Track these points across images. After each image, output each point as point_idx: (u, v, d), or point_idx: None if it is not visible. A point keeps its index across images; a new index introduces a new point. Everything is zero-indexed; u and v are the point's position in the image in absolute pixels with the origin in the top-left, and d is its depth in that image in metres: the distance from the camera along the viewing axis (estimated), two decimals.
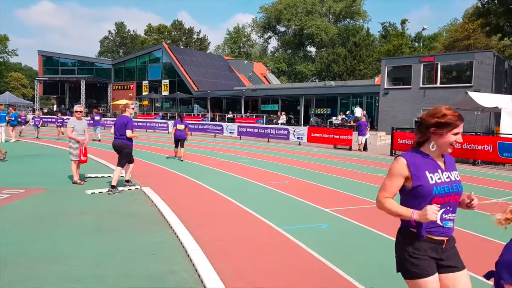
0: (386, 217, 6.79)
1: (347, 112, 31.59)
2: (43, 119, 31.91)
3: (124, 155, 8.99)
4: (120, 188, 8.83)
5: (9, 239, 5.43)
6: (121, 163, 8.97)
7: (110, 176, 10.04)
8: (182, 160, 13.87)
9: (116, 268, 4.54)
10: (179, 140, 14.14)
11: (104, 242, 5.42)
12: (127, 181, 9.46)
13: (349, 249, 5.36)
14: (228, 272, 4.45)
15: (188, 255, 4.90)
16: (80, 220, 6.47)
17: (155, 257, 4.89)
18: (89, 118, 26.12)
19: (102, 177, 10.61)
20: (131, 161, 9.39)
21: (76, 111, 9.74)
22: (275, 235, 5.86)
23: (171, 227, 6.09)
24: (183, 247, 5.22)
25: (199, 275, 4.32)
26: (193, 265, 4.61)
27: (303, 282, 4.26)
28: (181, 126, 14.13)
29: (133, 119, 19.53)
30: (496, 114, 18.98)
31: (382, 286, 4.17)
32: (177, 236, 5.66)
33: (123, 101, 48.51)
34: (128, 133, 8.85)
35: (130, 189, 9.01)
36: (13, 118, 22.34)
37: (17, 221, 6.35)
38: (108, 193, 8.52)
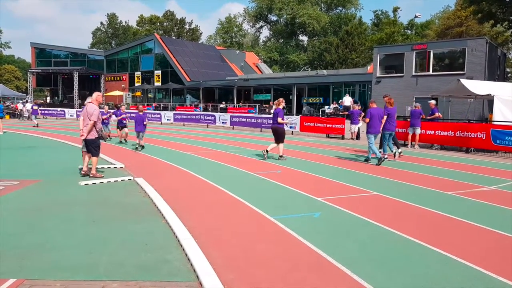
0: (378, 206, 6.87)
1: (340, 101, 31.61)
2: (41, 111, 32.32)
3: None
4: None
5: (3, 230, 5.42)
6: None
7: (109, 168, 10.06)
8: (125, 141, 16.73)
9: (108, 257, 4.55)
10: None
11: (97, 232, 5.42)
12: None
13: (340, 237, 5.39)
14: (221, 261, 4.47)
15: (181, 245, 4.91)
16: (73, 211, 6.46)
17: (147, 247, 4.89)
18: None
19: (108, 168, 10.58)
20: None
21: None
22: (267, 224, 5.87)
23: (163, 217, 6.09)
24: (176, 236, 5.23)
25: (191, 265, 4.33)
26: (186, 254, 4.62)
27: (295, 270, 4.28)
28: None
29: (127, 110, 19.80)
30: (489, 101, 19.06)
31: (373, 274, 4.19)
32: (169, 226, 5.66)
33: (116, 92, 48.37)
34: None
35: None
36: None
37: (11, 212, 6.34)
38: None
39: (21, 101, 42.93)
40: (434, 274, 4.21)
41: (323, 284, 3.97)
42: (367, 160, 12.29)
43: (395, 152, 12.71)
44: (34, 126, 25.87)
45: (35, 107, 28.88)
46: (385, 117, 12.35)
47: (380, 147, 12.84)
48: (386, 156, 12.21)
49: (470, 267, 4.41)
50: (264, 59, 70.27)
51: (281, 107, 12.63)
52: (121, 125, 16.94)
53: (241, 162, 11.88)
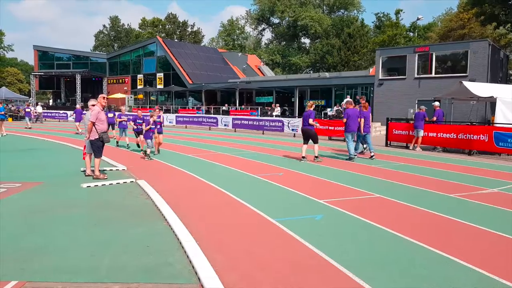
0: (380, 208, 6.84)
1: (342, 103, 31.53)
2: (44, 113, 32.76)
3: None
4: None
5: (4, 233, 5.43)
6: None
7: (111, 170, 10.07)
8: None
9: (110, 260, 4.54)
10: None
11: (99, 235, 5.42)
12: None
13: (342, 239, 5.37)
14: (222, 263, 4.46)
15: (183, 247, 4.91)
16: (75, 213, 6.46)
17: (149, 249, 4.89)
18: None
19: (110, 170, 10.60)
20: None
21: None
22: (269, 227, 5.86)
23: (165, 219, 6.09)
24: (178, 239, 5.22)
25: (193, 267, 4.32)
26: (187, 256, 4.61)
27: (297, 272, 4.27)
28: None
29: (128, 113, 19.69)
30: (492, 104, 18.98)
31: (375, 276, 4.18)
32: (171, 228, 5.66)
33: (118, 95, 48.43)
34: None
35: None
36: (2, 113, 22.64)
37: (13, 215, 6.35)
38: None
39: (30, 103, 43.20)
40: (436, 276, 4.19)
41: (324, 286, 3.95)
42: (350, 159, 12.98)
43: (362, 151, 14.43)
44: (26, 128, 26.59)
45: (28, 110, 29.64)
46: (362, 120, 13.42)
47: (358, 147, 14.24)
48: (355, 155, 13.39)
49: (473, 270, 4.39)
50: (266, 61, 70.22)
51: (312, 109, 13.04)
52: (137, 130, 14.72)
53: (243, 164, 11.88)
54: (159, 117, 14.22)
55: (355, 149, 13.66)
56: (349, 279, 4.11)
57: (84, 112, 17.42)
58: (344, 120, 13.13)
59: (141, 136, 14.04)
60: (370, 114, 13.99)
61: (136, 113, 15.94)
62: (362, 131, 13.59)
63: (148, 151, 12.90)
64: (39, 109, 35.06)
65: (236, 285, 3.93)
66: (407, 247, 5.08)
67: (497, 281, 4.10)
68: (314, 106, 13.54)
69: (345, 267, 4.36)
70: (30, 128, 26.66)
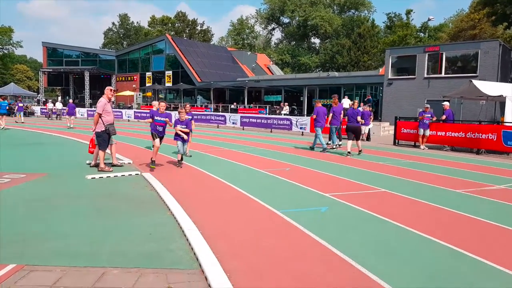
0: (386, 202, 6.78)
1: (350, 103, 31.40)
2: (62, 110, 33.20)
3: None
4: None
5: (6, 219, 5.45)
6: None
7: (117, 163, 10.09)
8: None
9: (111, 246, 4.53)
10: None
11: (101, 223, 5.41)
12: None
13: (347, 230, 5.32)
14: (225, 251, 4.43)
15: (185, 235, 4.89)
16: (78, 203, 6.47)
17: (151, 237, 4.87)
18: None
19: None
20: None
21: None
22: (274, 218, 5.83)
23: (169, 210, 6.08)
24: (180, 227, 5.20)
25: (194, 254, 4.30)
26: (189, 244, 4.59)
27: (300, 260, 4.23)
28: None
29: (138, 110, 19.67)
30: (501, 104, 18.79)
31: (378, 265, 4.13)
32: (174, 218, 5.64)
33: (126, 92, 48.67)
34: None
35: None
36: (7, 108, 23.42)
37: (16, 203, 6.36)
38: None
39: (50, 100, 43.47)
40: (442, 266, 4.13)
41: (327, 273, 3.91)
42: (324, 149, 14.12)
43: (336, 144, 15.33)
44: (17, 122, 27.18)
45: (20, 104, 29.77)
46: (331, 114, 14.86)
47: (329, 139, 15.63)
48: (334, 146, 15.12)
49: (477, 260, 4.32)
50: (275, 61, 70.13)
51: (355, 106, 13.78)
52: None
53: (250, 160, 11.85)
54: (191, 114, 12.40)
55: (333, 141, 15.28)
56: (352, 267, 4.06)
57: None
58: (314, 116, 14.70)
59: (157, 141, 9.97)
60: (342, 110, 15.75)
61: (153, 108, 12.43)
62: (329, 123, 15.02)
63: (179, 157, 10.43)
64: (58, 105, 35.02)
65: (237, 271, 3.90)
66: (411, 238, 5.02)
67: (501, 271, 4.04)
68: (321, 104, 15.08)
69: (349, 256, 4.32)
70: (23, 122, 27.08)
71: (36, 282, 3.63)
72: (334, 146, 15.19)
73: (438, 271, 4.04)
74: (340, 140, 15.63)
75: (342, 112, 15.78)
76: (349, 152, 13.08)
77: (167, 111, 10.49)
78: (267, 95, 42.52)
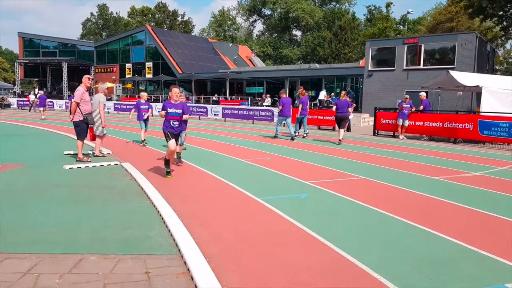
0: (365, 188, 6.85)
1: (332, 94, 31.59)
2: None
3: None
4: None
5: None
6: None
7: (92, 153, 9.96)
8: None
9: (89, 234, 4.48)
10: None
11: (79, 212, 5.33)
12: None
13: (327, 216, 5.36)
14: (205, 237, 4.43)
15: (164, 222, 4.86)
16: (56, 192, 6.36)
17: (130, 224, 4.83)
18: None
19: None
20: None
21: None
22: (254, 205, 5.84)
23: (148, 198, 6.03)
24: (160, 215, 5.17)
25: (174, 240, 4.28)
26: (169, 230, 4.57)
27: (280, 245, 4.25)
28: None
29: (117, 102, 19.41)
30: (478, 95, 19.11)
31: (356, 247, 4.18)
32: (154, 206, 5.60)
33: (106, 84, 48.01)
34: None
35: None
36: None
37: None
38: None
39: (32, 92, 42.41)
40: (418, 247, 4.21)
41: (306, 257, 3.94)
42: (292, 138, 14.88)
43: (300, 132, 16.26)
44: None
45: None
46: (300, 105, 15.60)
47: (299, 128, 16.39)
48: (297, 134, 15.93)
49: (452, 242, 4.42)
50: (257, 53, 69.96)
51: (342, 98, 14.32)
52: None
53: (232, 150, 11.83)
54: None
55: (295, 130, 15.95)
56: (331, 250, 4.10)
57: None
58: (280, 107, 15.23)
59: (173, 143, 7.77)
60: (308, 101, 16.59)
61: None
62: (299, 114, 15.75)
63: (176, 149, 8.16)
64: (31, 97, 34.21)
65: (217, 256, 3.90)
66: (389, 222, 5.10)
67: (476, 251, 4.14)
68: (306, 93, 16.00)
69: (328, 240, 4.36)
70: None
71: (10, 269, 3.55)
72: (297, 134, 16.03)
73: (412, 250, 4.11)
74: (300, 129, 16.46)
75: (308, 103, 16.71)
76: (340, 140, 13.70)
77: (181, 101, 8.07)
78: (249, 87, 42.46)
